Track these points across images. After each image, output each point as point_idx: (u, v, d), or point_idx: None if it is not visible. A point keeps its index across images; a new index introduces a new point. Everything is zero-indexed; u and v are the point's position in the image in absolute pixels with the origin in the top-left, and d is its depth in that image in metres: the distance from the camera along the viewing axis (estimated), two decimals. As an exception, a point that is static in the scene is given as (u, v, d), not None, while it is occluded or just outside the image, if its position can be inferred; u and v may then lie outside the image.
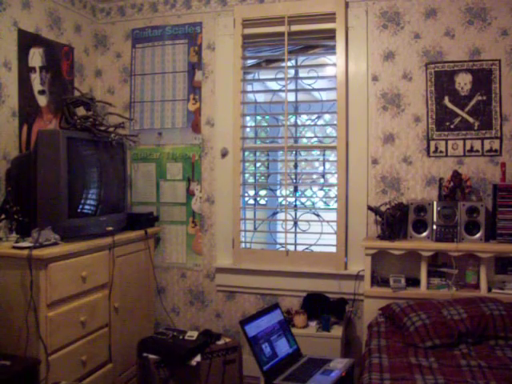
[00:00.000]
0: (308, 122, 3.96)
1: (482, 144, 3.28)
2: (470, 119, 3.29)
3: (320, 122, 3.89)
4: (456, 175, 3.20)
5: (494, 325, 2.63)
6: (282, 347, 2.75)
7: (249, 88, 3.89)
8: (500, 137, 3.25)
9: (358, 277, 3.39)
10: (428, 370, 2.28)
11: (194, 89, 3.83)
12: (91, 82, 3.98)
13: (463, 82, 3.30)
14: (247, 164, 3.87)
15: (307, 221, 3.68)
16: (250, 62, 3.84)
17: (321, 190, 3.89)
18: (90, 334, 2.97)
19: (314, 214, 3.74)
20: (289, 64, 3.63)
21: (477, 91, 3.27)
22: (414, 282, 3.19)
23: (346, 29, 3.48)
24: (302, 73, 3.77)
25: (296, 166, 3.75)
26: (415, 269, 3.20)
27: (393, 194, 3.45)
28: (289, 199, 3.79)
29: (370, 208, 3.36)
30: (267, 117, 4.08)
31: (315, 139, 3.81)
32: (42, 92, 3.40)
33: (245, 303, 3.75)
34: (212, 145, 3.80)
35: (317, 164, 4.07)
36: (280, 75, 3.72)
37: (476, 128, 3.28)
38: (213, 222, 3.81)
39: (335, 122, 3.55)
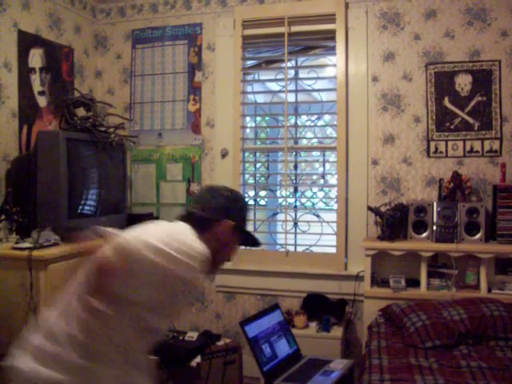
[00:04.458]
0: (308, 123, 3.96)
1: (482, 145, 3.28)
2: (470, 120, 3.29)
3: (320, 122, 3.89)
4: (456, 176, 3.19)
5: (494, 325, 2.63)
6: (282, 348, 2.75)
7: (249, 89, 3.89)
8: (500, 137, 3.25)
9: (357, 277, 3.38)
10: (428, 371, 2.28)
11: (194, 89, 3.83)
12: (91, 83, 3.98)
13: (463, 82, 3.30)
14: (247, 165, 3.86)
15: (307, 221, 3.68)
16: (250, 62, 3.85)
17: (321, 190, 3.89)
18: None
19: (314, 214, 3.74)
20: (289, 65, 3.63)
21: (477, 92, 3.27)
22: (413, 282, 3.19)
23: (346, 29, 3.48)
24: (302, 73, 3.77)
25: (296, 167, 3.74)
26: (415, 269, 3.19)
27: (393, 194, 3.44)
28: (289, 200, 3.79)
29: (369, 209, 3.35)
30: (267, 118, 4.08)
31: (315, 140, 3.81)
32: (41, 93, 3.40)
33: (245, 304, 3.74)
34: (212, 145, 3.79)
35: (317, 165, 4.07)
36: (280, 76, 3.71)
37: (476, 129, 3.28)
38: (213, 222, 3.79)
39: (335, 123, 3.55)
